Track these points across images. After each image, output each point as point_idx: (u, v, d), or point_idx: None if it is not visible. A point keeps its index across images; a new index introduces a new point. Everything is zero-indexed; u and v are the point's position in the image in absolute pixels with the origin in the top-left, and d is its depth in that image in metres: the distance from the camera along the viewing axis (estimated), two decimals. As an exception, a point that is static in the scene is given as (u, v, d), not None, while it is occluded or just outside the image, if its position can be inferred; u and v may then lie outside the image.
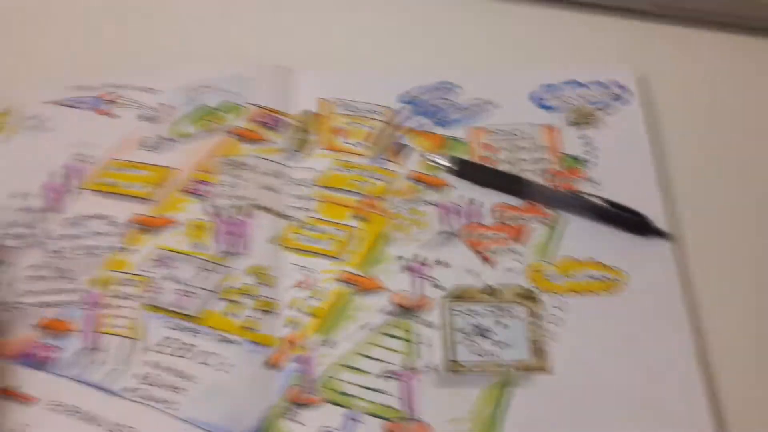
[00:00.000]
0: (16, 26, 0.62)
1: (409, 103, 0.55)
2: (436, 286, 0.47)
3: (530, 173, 0.51)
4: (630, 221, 0.49)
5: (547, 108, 0.54)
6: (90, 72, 0.58)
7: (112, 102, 0.56)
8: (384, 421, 0.43)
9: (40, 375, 0.45)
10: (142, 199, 0.51)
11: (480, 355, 0.45)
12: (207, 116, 0.54)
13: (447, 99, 0.55)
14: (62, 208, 0.51)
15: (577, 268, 0.48)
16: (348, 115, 0.55)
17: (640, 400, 0.43)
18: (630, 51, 0.59)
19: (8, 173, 0.53)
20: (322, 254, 0.49)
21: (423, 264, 0.48)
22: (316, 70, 0.57)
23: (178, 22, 0.62)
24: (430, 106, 0.55)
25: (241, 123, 0.54)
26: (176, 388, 0.44)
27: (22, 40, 0.61)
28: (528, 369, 0.45)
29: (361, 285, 0.48)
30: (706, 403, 0.43)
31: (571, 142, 0.53)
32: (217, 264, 0.48)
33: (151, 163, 0.53)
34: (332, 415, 0.43)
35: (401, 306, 0.47)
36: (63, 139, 0.54)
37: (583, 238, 0.49)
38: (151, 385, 0.44)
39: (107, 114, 0.55)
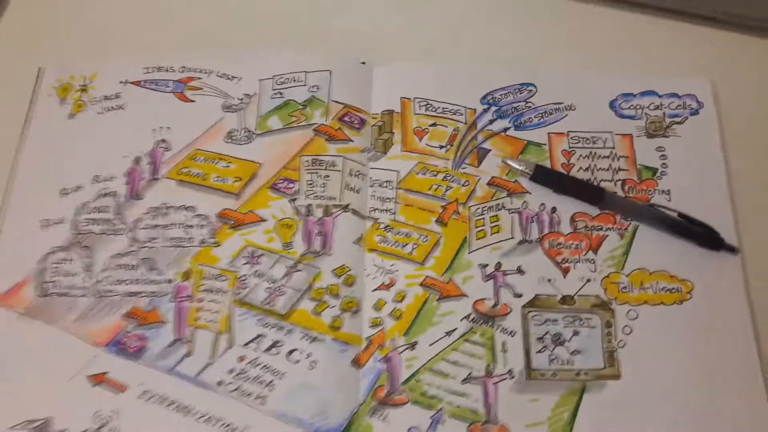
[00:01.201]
0: (90, 2, 0.61)
1: (491, 104, 0.55)
2: (516, 294, 0.49)
3: (607, 182, 0.53)
4: (702, 235, 0.51)
5: (627, 117, 0.55)
6: (167, 52, 0.57)
7: (195, 88, 0.56)
8: (467, 424, 0.46)
9: (130, 364, 0.47)
10: (229, 193, 0.52)
11: (557, 362, 0.47)
12: (293, 112, 0.54)
13: (528, 102, 0.55)
14: (147, 196, 0.52)
15: (649, 279, 0.50)
16: (430, 115, 0.55)
17: (704, 407, 0.46)
18: (700, 58, 0.58)
19: (90, 155, 0.54)
20: (405, 258, 0.50)
21: (503, 272, 0.50)
22: (397, 65, 0.57)
23: (256, 6, 0.61)
24: (512, 109, 0.55)
25: (326, 120, 0.54)
26: (265, 383, 0.46)
27: (97, 16, 0.60)
28: (601, 377, 0.47)
29: (443, 291, 0.49)
30: (767, 407, 0.45)
31: (648, 153, 0.54)
32: (304, 264, 0.50)
33: (238, 156, 0.53)
34: (418, 415, 0.46)
35: (482, 313, 0.49)
36: (145, 123, 0.55)
37: (656, 249, 0.51)
38: (240, 379, 0.46)
39: (189, 100, 0.55)
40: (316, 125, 0.54)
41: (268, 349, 0.47)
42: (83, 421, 0.45)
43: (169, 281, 0.49)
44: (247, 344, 0.47)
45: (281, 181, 0.52)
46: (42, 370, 0.47)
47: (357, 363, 0.47)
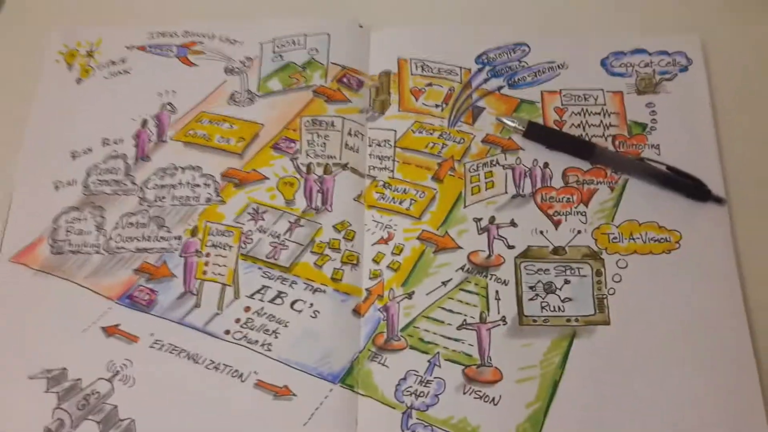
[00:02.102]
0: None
1: (485, 64, 0.57)
2: (509, 245, 0.51)
3: (599, 138, 0.54)
4: (690, 187, 0.52)
5: (617, 75, 0.56)
6: (171, 18, 0.59)
7: (198, 52, 0.57)
8: (462, 367, 0.48)
9: (141, 316, 0.49)
10: (232, 153, 0.54)
11: (548, 309, 0.49)
12: (293, 74, 0.56)
13: (522, 61, 0.57)
14: (154, 157, 0.54)
15: (638, 230, 0.52)
16: (426, 75, 0.57)
17: (691, 351, 0.48)
18: (690, 15, 0.60)
19: (98, 118, 0.56)
20: (402, 213, 0.52)
21: (497, 225, 0.52)
22: (393, 27, 0.58)
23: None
24: (506, 68, 0.57)
25: (325, 82, 0.56)
26: (270, 331, 0.49)
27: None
28: (591, 323, 0.49)
29: (439, 244, 0.51)
30: (753, 356, 0.47)
31: (638, 109, 0.55)
32: (306, 219, 0.52)
33: (241, 117, 0.55)
34: (415, 359, 0.48)
35: (476, 264, 0.51)
36: (150, 87, 0.56)
37: (645, 202, 0.52)
38: (247, 328, 0.49)
39: (193, 64, 0.57)
40: (316, 87, 0.56)
41: (273, 299, 0.49)
42: (97, 370, 0.47)
43: (178, 238, 0.51)
44: (252, 295, 0.50)
45: (282, 141, 0.54)
46: (58, 322, 0.49)
47: (357, 312, 0.49)
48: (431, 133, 0.55)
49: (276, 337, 0.48)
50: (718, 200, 0.52)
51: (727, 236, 0.51)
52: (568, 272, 0.50)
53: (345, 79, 0.56)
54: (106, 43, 0.58)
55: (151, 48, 0.58)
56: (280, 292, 0.50)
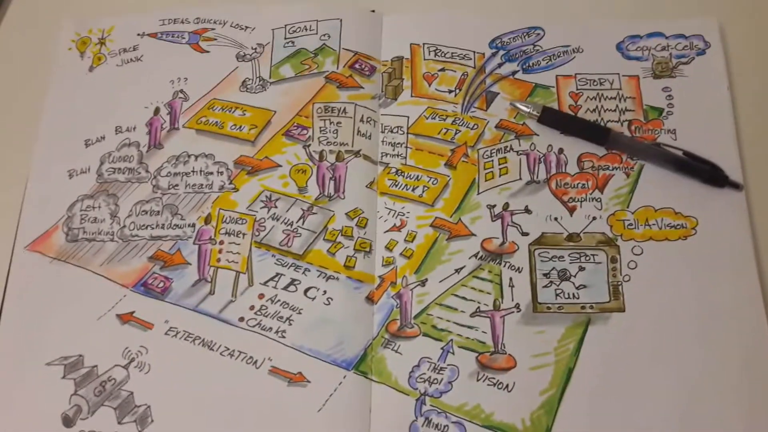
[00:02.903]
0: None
1: (499, 48, 0.56)
2: (523, 232, 0.51)
3: (614, 123, 0.54)
4: (706, 173, 0.52)
5: (633, 59, 0.55)
6: (182, 4, 0.59)
7: (210, 39, 0.57)
8: (475, 354, 0.48)
9: (156, 303, 0.50)
10: (245, 140, 0.54)
11: (563, 296, 0.49)
12: (305, 60, 0.56)
13: (536, 45, 0.56)
14: (167, 145, 0.54)
15: (654, 216, 0.51)
16: (439, 60, 0.56)
17: (706, 339, 0.47)
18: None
19: (111, 106, 0.56)
20: (415, 200, 0.52)
21: (510, 212, 0.51)
22: (406, 13, 0.58)
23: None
24: (520, 52, 0.56)
25: (337, 68, 0.56)
26: (284, 318, 0.49)
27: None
28: (605, 310, 0.49)
29: (452, 231, 0.51)
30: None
31: (654, 93, 0.54)
32: (319, 207, 0.52)
33: (253, 104, 0.55)
34: (429, 346, 0.48)
35: (490, 251, 0.50)
36: (162, 74, 0.56)
37: (661, 187, 0.52)
38: (261, 315, 0.49)
39: (205, 51, 0.57)
40: (328, 73, 0.56)
41: (286, 287, 0.49)
42: (114, 357, 0.48)
43: (192, 225, 0.51)
44: (266, 283, 0.50)
45: (295, 128, 0.54)
46: (74, 310, 0.50)
47: (371, 299, 0.49)
48: (444, 119, 0.54)
49: (290, 324, 0.48)
50: (736, 186, 0.51)
51: (744, 222, 0.50)
52: (582, 259, 0.50)
53: (357, 65, 0.56)
54: (117, 30, 0.58)
55: (163, 35, 0.58)
56: (294, 280, 0.50)
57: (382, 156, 0.53)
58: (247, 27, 0.57)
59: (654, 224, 0.51)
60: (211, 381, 0.47)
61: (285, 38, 0.57)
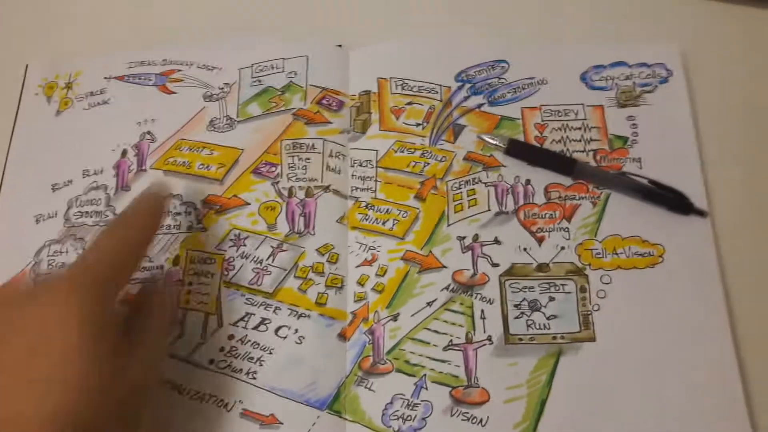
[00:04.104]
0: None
1: (465, 82, 0.57)
2: (493, 263, 0.51)
3: (580, 153, 0.54)
4: (672, 200, 0.52)
5: (598, 89, 0.56)
6: (149, 46, 0.59)
7: (177, 80, 0.57)
8: (449, 388, 0.48)
9: (126, 346, 0.49)
10: (213, 179, 0.54)
11: (534, 327, 0.49)
12: (273, 98, 0.56)
13: (501, 78, 0.57)
14: (135, 187, 0.54)
15: (622, 244, 0.51)
16: (407, 94, 0.56)
17: (675, 367, 0.48)
18: (670, 26, 0.60)
19: (78, 150, 0.56)
20: (386, 234, 0.52)
21: (481, 243, 0.51)
22: (372, 46, 0.58)
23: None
24: (486, 85, 0.56)
25: (305, 105, 0.56)
26: (255, 359, 0.48)
27: (79, 12, 0.62)
28: (576, 340, 0.49)
29: (423, 263, 0.51)
30: (737, 369, 0.47)
31: (619, 122, 0.55)
32: (289, 244, 0.52)
33: (220, 143, 0.55)
34: (402, 382, 0.48)
35: (461, 283, 0.51)
36: (129, 116, 0.56)
37: (628, 216, 0.52)
38: (231, 356, 0.49)
39: (172, 92, 0.57)
40: (295, 110, 0.56)
41: (257, 326, 0.49)
42: (85, 403, 0.47)
43: (160, 267, 0.51)
44: (236, 323, 0.49)
45: (263, 165, 0.54)
46: (43, 356, 0.49)
47: (343, 336, 0.49)
48: (413, 152, 0.55)
49: (261, 365, 0.48)
50: (701, 213, 0.52)
51: (710, 249, 0.51)
52: (552, 289, 0.50)
53: (325, 101, 0.56)
54: (85, 74, 0.58)
55: (130, 77, 0.58)
56: (264, 319, 0.49)
57: (352, 190, 0.53)
58: (214, 67, 0.57)
59: (622, 253, 0.51)
60: (181, 426, 0.46)
61: (252, 77, 0.57)
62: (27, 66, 0.59)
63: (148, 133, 0.55)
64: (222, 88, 0.56)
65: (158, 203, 0.47)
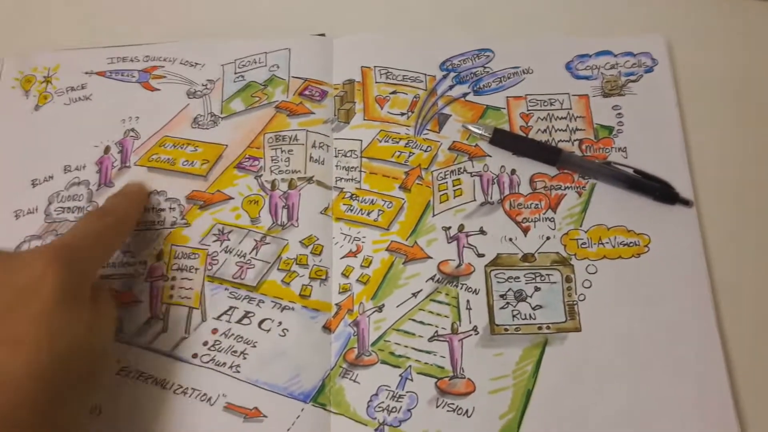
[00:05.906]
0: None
1: (450, 71, 0.56)
2: (478, 254, 0.51)
3: (565, 143, 0.54)
4: (657, 190, 0.52)
5: (583, 78, 0.56)
6: (130, 42, 0.58)
7: (160, 77, 0.57)
8: (434, 380, 0.47)
9: (109, 342, 0.49)
10: (197, 175, 0.53)
11: (519, 317, 0.49)
12: (255, 93, 0.56)
13: (486, 67, 0.56)
14: (118, 183, 0.53)
15: (607, 234, 0.51)
16: (391, 83, 0.56)
17: (662, 355, 0.47)
18: (655, 15, 0.59)
19: (59, 145, 0.55)
20: (370, 225, 0.52)
21: (466, 233, 0.51)
22: (356, 35, 0.57)
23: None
24: (470, 74, 0.56)
25: (287, 97, 0.55)
26: (239, 352, 0.48)
27: (53, 6, 0.61)
28: (562, 330, 0.48)
29: (408, 254, 0.51)
30: (723, 358, 0.47)
31: (604, 112, 0.55)
32: (272, 236, 0.51)
33: (204, 140, 0.54)
34: (387, 374, 0.47)
35: (446, 273, 0.50)
36: (112, 113, 0.56)
37: (613, 206, 0.52)
38: (214, 350, 0.48)
39: (155, 89, 0.56)
40: (277, 102, 0.55)
41: (240, 320, 0.49)
42: (67, 400, 0.47)
43: (143, 263, 0.51)
44: (219, 317, 0.49)
45: (246, 160, 0.54)
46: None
47: (328, 328, 0.49)
48: (397, 142, 0.54)
49: (244, 359, 0.48)
50: (686, 202, 0.52)
51: (696, 238, 0.51)
52: (538, 279, 0.50)
53: (307, 92, 0.55)
54: (64, 68, 0.57)
55: (112, 73, 0.57)
56: (248, 312, 0.49)
57: (336, 181, 0.53)
58: (196, 63, 0.57)
59: (607, 242, 0.51)
60: (165, 420, 0.46)
61: (235, 73, 0.56)
62: (2, 59, 0.58)
63: (132, 130, 0.55)
64: (205, 85, 0.56)
65: (141, 193, 0.51)
